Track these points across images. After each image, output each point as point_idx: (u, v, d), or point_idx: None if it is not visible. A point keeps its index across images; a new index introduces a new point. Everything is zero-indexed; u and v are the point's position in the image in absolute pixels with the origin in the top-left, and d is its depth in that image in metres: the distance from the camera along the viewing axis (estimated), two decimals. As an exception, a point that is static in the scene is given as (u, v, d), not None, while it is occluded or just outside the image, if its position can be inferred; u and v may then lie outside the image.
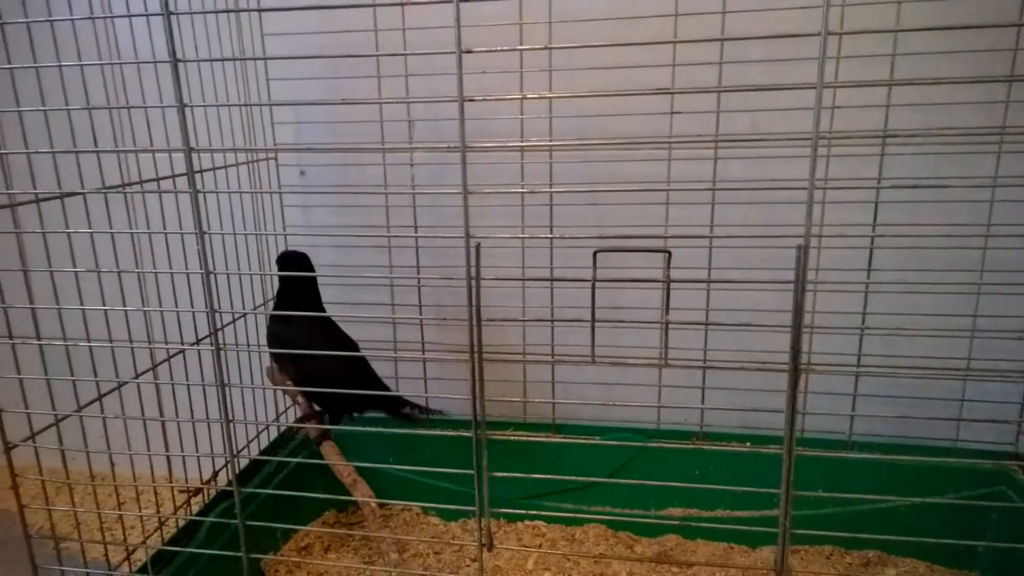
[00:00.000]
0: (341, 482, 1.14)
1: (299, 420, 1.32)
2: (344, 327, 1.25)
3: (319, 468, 1.27)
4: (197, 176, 0.77)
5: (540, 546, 1.32)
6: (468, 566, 1.27)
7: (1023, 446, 1.29)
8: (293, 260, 1.24)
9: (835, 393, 1.33)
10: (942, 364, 1.29)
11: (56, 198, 0.89)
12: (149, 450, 0.99)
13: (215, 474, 1.21)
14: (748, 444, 1.35)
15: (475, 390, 0.73)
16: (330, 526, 1.40)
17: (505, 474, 0.75)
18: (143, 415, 0.97)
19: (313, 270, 1.24)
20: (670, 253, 0.65)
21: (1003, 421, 1.28)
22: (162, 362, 1.09)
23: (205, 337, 0.89)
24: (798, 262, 0.61)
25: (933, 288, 1.24)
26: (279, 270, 1.25)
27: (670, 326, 0.69)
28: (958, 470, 1.26)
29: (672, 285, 0.68)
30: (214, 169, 1.22)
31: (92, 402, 0.95)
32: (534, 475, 0.79)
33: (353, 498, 1.15)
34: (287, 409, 1.46)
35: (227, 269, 1.24)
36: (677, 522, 1.33)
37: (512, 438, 0.86)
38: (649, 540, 1.34)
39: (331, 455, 1.18)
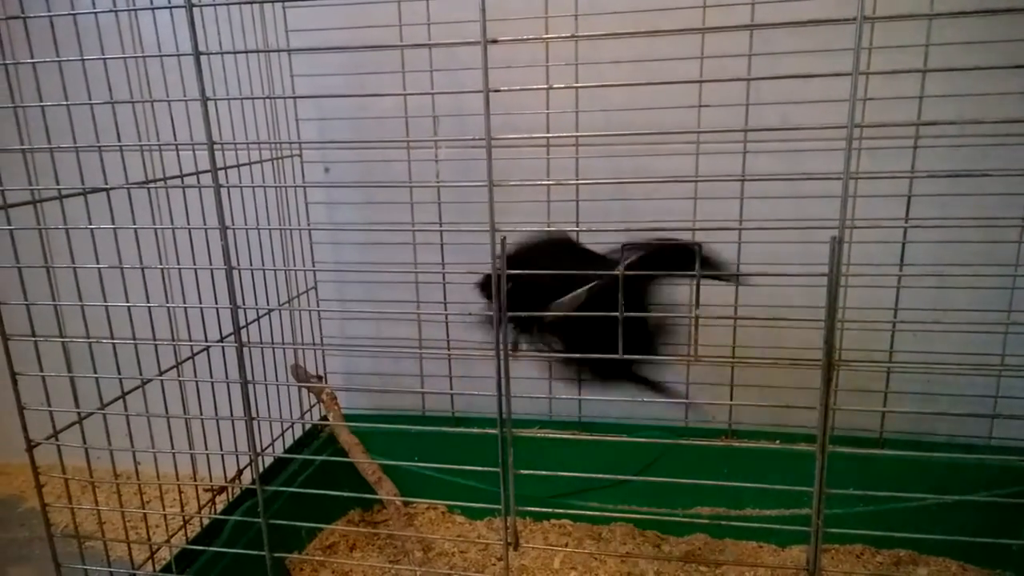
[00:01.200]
0: (366, 480, 1.14)
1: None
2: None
3: (344, 466, 1.27)
4: (220, 172, 0.77)
5: (566, 545, 1.31)
6: (494, 565, 1.26)
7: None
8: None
9: (866, 390, 1.30)
10: (976, 360, 1.25)
11: (79, 194, 0.89)
12: (173, 448, 0.99)
13: (239, 472, 1.21)
14: (777, 442, 1.32)
15: (500, 387, 0.72)
16: (355, 525, 1.40)
17: (531, 471, 0.73)
18: (167, 413, 0.96)
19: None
20: (700, 246, 0.63)
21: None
22: (186, 360, 1.09)
23: (229, 335, 0.88)
24: (832, 253, 0.59)
25: (966, 282, 1.21)
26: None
27: (700, 321, 0.68)
28: (991, 467, 1.23)
29: (702, 279, 0.67)
30: (238, 166, 1.22)
31: (115, 400, 0.95)
32: (560, 473, 0.77)
33: (378, 497, 1.15)
34: (312, 407, 1.46)
35: (251, 266, 1.23)
36: (706, 521, 1.31)
37: (538, 436, 0.85)
38: (677, 539, 1.32)
39: (356, 453, 1.18)
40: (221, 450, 0.96)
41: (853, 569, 1.21)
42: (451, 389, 1.45)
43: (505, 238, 0.66)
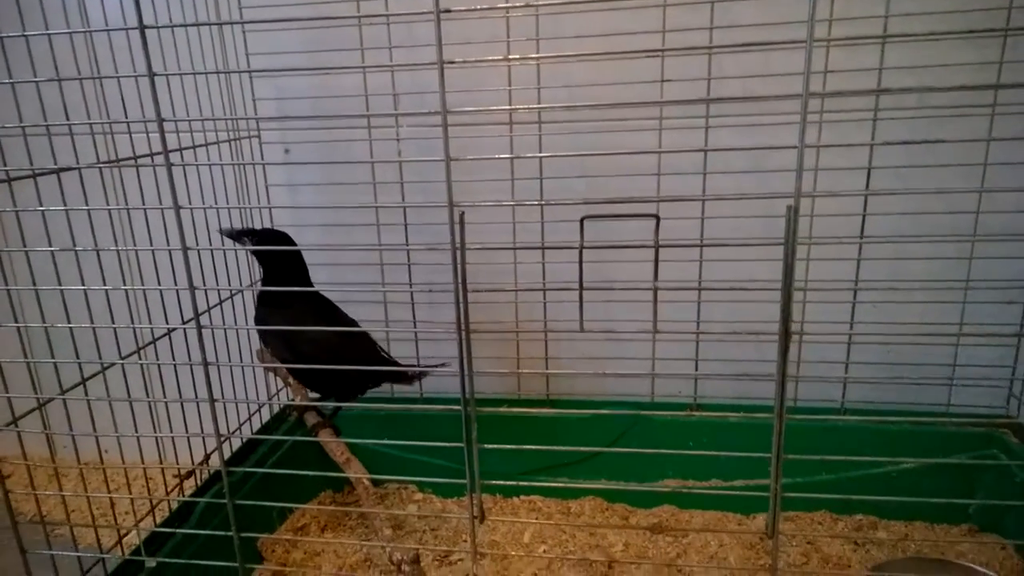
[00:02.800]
0: (335, 462, 1.13)
1: (295, 407, 1.30)
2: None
3: (313, 449, 1.26)
4: (175, 155, 0.75)
5: (536, 519, 1.32)
6: (465, 541, 1.27)
7: (1014, 409, 1.29)
8: (273, 239, 1.16)
9: (828, 361, 1.33)
10: (934, 330, 1.29)
11: (28, 177, 0.86)
12: (137, 432, 0.98)
13: (207, 456, 1.20)
14: (741, 414, 1.35)
15: (463, 362, 0.72)
16: (326, 506, 1.40)
17: (495, 446, 0.74)
18: (129, 396, 0.95)
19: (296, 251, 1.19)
20: (658, 218, 0.63)
21: (991, 384, 1.29)
22: (147, 344, 1.08)
23: (190, 320, 0.87)
24: (788, 222, 0.60)
25: (925, 252, 1.24)
26: (258, 253, 1.18)
27: (661, 293, 0.68)
28: (950, 435, 1.27)
29: (664, 253, 0.67)
30: (194, 147, 1.19)
31: (76, 385, 0.94)
32: (525, 446, 0.78)
33: (348, 479, 1.15)
34: (279, 391, 1.45)
35: (210, 246, 1.21)
36: (670, 489, 1.34)
37: (503, 412, 0.85)
38: (644, 511, 1.34)
39: (324, 435, 1.17)
40: (187, 432, 0.95)
41: (815, 535, 1.23)
42: (419, 366, 1.45)
43: (464, 213, 0.66)
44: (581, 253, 0.64)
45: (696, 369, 1.35)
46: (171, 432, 1.06)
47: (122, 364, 0.99)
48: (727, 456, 1.31)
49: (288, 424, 1.41)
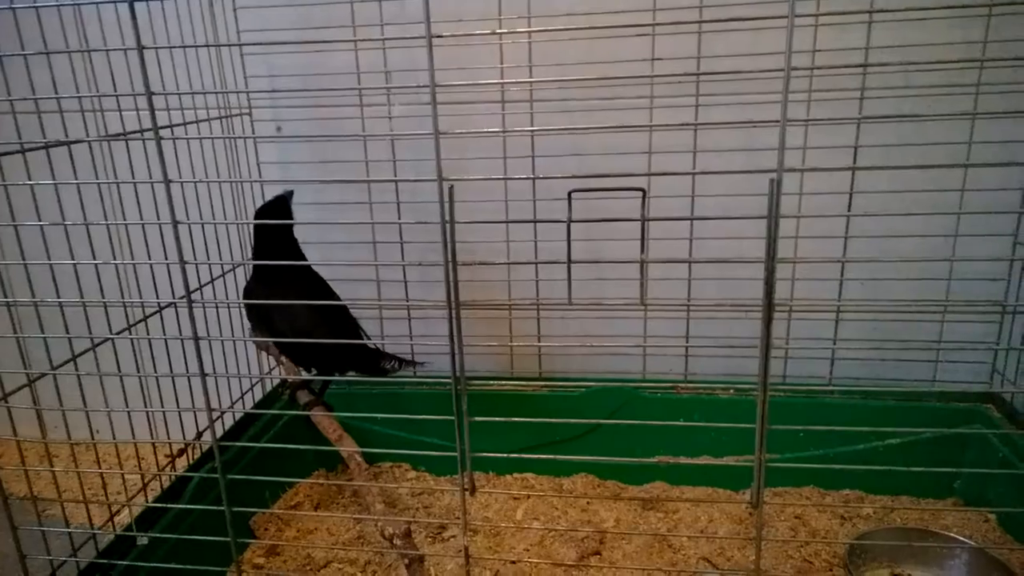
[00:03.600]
0: (328, 440, 1.14)
1: (287, 384, 1.31)
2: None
3: (306, 427, 1.27)
4: (166, 132, 0.75)
5: (529, 497, 1.34)
6: (457, 519, 1.29)
7: (997, 385, 1.30)
8: (268, 209, 1.17)
9: (816, 338, 1.34)
10: (919, 307, 1.30)
11: (16, 152, 0.86)
12: (127, 407, 0.99)
13: (199, 433, 1.21)
14: (731, 390, 1.36)
15: (453, 336, 0.73)
16: (320, 485, 1.41)
17: (485, 419, 0.75)
18: (119, 370, 0.95)
19: (291, 214, 1.19)
20: (645, 191, 0.64)
21: (976, 360, 1.30)
22: (138, 321, 1.08)
23: (182, 297, 0.88)
24: (771, 195, 0.61)
25: (911, 229, 1.25)
26: (255, 228, 1.19)
27: (650, 266, 0.69)
28: (935, 410, 1.28)
29: (654, 230, 0.68)
30: (184, 124, 1.19)
31: (67, 362, 0.94)
32: (516, 418, 0.79)
33: (342, 457, 1.16)
34: (272, 369, 1.45)
35: (201, 220, 1.21)
36: (657, 460, 1.35)
37: (493, 388, 0.87)
38: (636, 488, 1.36)
39: (317, 412, 1.18)
40: (178, 407, 0.95)
41: (803, 510, 1.25)
42: (412, 350, 1.46)
43: (452, 187, 0.66)
44: (569, 227, 0.65)
45: (687, 344, 1.36)
46: (162, 407, 1.07)
47: (113, 340, 1.00)
48: (717, 431, 1.33)
49: (281, 403, 1.42)
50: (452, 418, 0.76)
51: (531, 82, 1.28)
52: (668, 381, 1.41)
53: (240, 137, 1.37)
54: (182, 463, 1.22)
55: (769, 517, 1.23)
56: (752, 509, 0.72)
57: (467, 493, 0.79)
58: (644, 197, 0.63)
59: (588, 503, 1.31)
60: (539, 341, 1.44)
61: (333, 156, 1.41)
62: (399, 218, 1.38)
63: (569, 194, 0.65)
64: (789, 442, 1.29)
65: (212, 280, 1.27)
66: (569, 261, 0.67)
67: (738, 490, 1.33)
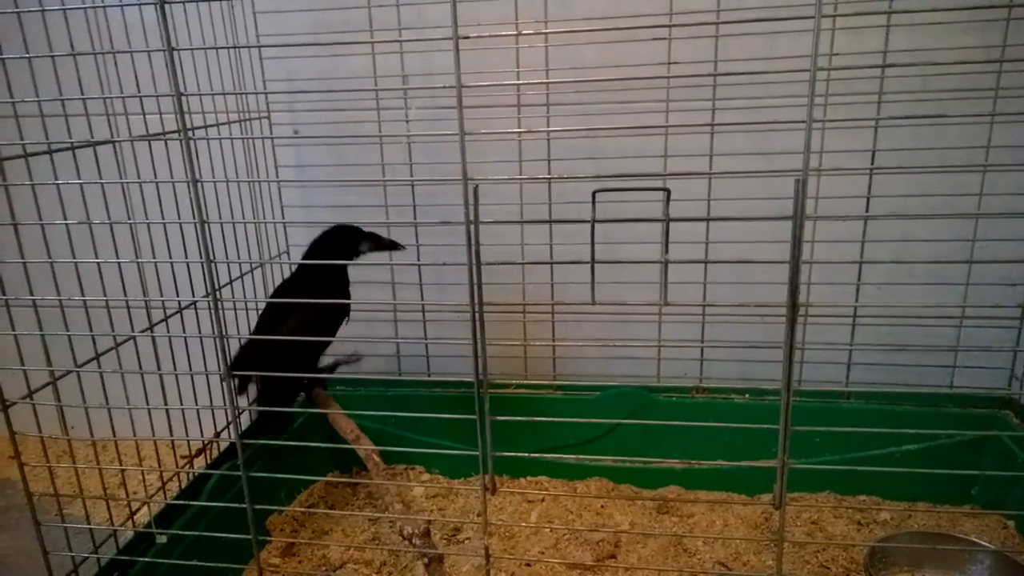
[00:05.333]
0: (343, 438, 1.15)
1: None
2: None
3: (321, 430, 1.28)
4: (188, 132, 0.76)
5: (543, 500, 1.34)
6: (474, 521, 1.29)
7: (1016, 390, 1.30)
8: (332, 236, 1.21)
9: (833, 345, 1.34)
10: (937, 312, 1.30)
11: (44, 153, 0.87)
12: (148, 404, 0.99)
13: (217, 434, 1.22)
14: (747, 396, 1.36)
15: (476, 337, 0.73)
16: (333, 486, 1.42)
17: (506, 418, 0.75)
18: (140, 368, 0.96)
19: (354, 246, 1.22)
20: (669, 191, 0.64)
21: (993, 365, 1.30)
22: (159, 322, 1.09)
23: (205, 296, 0.88)
24: (796, 195, 0.61)
25: (929, 234, 1.25)
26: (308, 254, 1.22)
27: (670, 266, 0.69)
28: (953, 416, 1.28)
29: (673, 233, 0.68)
30: (205, 127, 1.20)
31: (90, 360, 0.95)
32: (536, 418, 0.79)
33: (357, 458, 1.16)
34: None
35: (219, 218, 1.22)
36: (675, 464, 1.34)
37: (513, 393, 0.87)
38: (651, 492, 1.35)
39: (331, 408, 1.19)
40: (196, 404, 0.96)
41: (818, 515, 1.25)
42: (427, 351, 1.46)
43: (477, 187, 0.67)
44: (593, 227, 0.65)
45: (702, 349, 1.36)
46: (183, 413, 1.07)
47: (135, 339, 1.01)
48: (731, 436, 1.32)
49: (297, 404, 1.42)
50: (473, 417, 0.76)
51: (547, 83, 1.29)
52: (684, 388, 1.40)
53: (259, 138, 1.39)
54: (199, 462, 1.22)
55: (785, 522, 1.22)
56: (774, 510, 0.71)
57: (487, 492, 0.79)
58: (668, 198, 0.64)
59: (603, 506, 1.31)
60: (554, 338, 1.44)
61: (350, 159, 1.42)
62: (415, 217, 1.39)
63: (593, 194, 0.65)
64: (805, 446, 1.29)
65: (231, 281, 1.28)
66: (593, 261, 0.67)
67: (753, 495, 1.32)
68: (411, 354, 1.50)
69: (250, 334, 1.17)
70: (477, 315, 0.73)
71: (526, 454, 0.82)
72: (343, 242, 1.21)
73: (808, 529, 1.21)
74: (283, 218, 1.43)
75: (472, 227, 0.68)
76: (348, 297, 1.21)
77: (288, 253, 1.45)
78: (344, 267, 1.22)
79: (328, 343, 1.18)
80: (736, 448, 1.33)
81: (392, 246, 1.23)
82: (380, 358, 1.50)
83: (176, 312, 1.10)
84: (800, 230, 0.63)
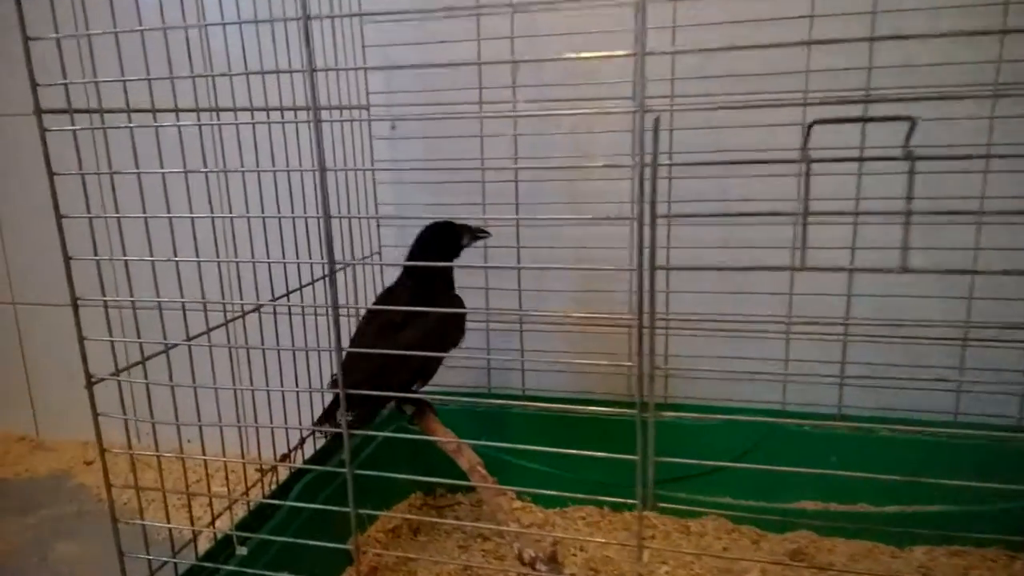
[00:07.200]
0: (442, 450, 1.02)
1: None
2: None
3: (406, 446, 1.14)
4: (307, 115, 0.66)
5: (653, 537, 1.18)
6: (574, 556, 1.14)
7: None
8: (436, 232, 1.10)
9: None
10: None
11: (147, 111, 0.80)
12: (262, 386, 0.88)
13: (301, 442, 1.10)
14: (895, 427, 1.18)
15: (641, 358, 0.60)
16: (417, 509, 1.29)
17: (670, 459, 0.63)
18: (247, 344, 0.86)
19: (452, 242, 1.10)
20: (914, 120, 0.51)
21: None
22: (234, 318, 0.98)
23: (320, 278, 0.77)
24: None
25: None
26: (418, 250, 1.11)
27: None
28: None
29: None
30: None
31: (179, 344, 0.85)
32: (696, 461, 0.66)
33: (441, 481, 1.04)
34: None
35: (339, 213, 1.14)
36: (809, 504, 1.18)
37: (678, 417, 0.73)
38: (777, 536, 1.18)
39: (430, 424, 1.07)
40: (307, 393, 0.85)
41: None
42: (523, 365, 1.35)
43: (659, 118, 0.55)
44: (808, 166, 0.52)
45: (841, 373, 1.20)
46: (270, 418, 0.97)
47: (208, 334, 0.90)
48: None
49: (382, 418, 1.30)
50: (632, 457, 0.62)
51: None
52: (815, 415, 1.24)
53: (400, 120, 1.32)
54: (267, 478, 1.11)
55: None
56: None
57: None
58: (911, 128, 0.50)
59: (724, 548, 1.15)
60: (666, 361, 1.29)
61: (448, 152, 1.32)
62: (516, 211, 1.28)
63: (810, 126, 0.53)
64: (966, 494, 1.09)
65: (322, 277, 1.18)
66: (806, 213, 0.54)
67: (903, 546, 1.13)
68: (501, 367, 1.39)
69: (352, 343, 1.05)
70: (647, 329, 0.60)
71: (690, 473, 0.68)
72: (448, 239, 1.10)
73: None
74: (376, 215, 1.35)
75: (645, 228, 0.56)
76: (462, 303, 1.10)
77: (380, 254, 1.36)
78: (451, 269, 1.11)
79: (442, 360, 1.06)
80: (879, 488, 1.15)
81: (484, 233, 1.12)
82: (467, 370, 1.39)
83: (253, 309, 0.99)
84: None
